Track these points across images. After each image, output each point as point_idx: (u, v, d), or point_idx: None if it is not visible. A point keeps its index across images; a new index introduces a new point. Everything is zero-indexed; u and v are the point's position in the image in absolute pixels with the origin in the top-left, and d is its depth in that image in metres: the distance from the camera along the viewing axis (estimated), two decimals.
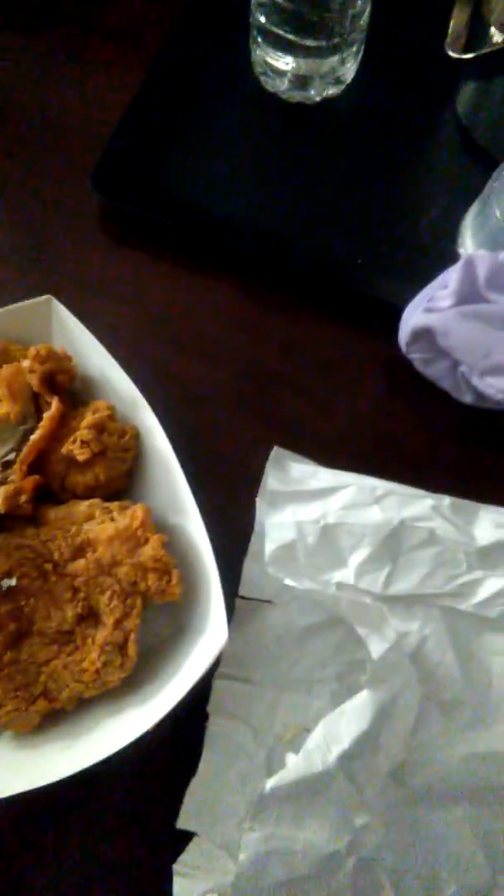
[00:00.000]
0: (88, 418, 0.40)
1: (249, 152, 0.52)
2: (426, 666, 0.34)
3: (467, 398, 0.44)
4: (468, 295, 0.41)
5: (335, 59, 0.50)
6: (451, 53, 0.46)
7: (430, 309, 0.42)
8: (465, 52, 0.46)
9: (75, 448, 0.39)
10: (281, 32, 0.49)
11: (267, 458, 0.41)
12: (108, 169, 0.50)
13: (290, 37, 0.49)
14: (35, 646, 0.36)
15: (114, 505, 0.39)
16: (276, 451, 0.39)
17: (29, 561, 0.37)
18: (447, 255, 0.48)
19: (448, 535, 0.35)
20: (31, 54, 0.56)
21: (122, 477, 0.41)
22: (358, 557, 0.35)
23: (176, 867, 0.35)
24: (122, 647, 0.36)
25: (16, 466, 0.39)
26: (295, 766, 0.31)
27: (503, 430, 0.46)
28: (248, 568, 0.40)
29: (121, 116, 0.51)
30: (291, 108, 0.53)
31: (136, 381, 0.47)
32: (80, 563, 0.37)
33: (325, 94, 0.53)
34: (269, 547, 0.35)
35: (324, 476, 0.37)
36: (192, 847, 0.36)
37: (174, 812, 0.37)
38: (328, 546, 0.35)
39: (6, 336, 0.43)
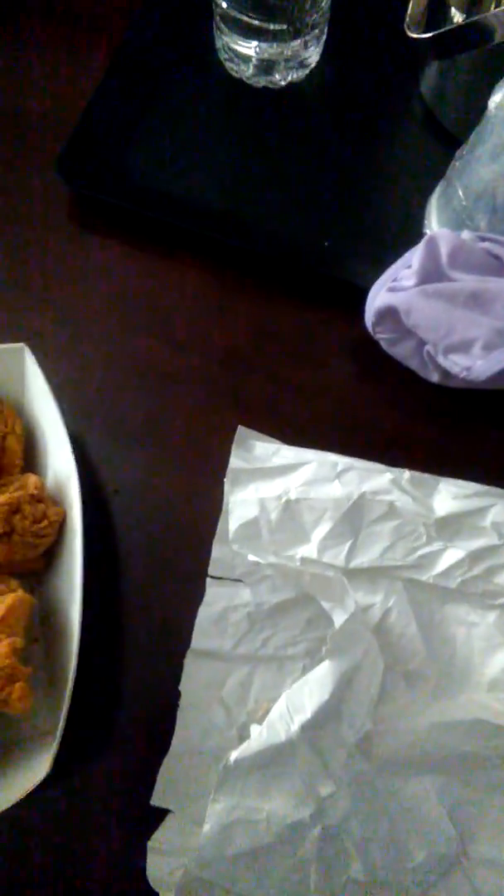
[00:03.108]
0: (6, 495, 0.37)
1: (215, 138, 0.52)
2: (390, 637, 0.34)
3: (434, 377, 0.45)
4: (431, 274, 0.42)
5: (298, 42, 0.50)
6: (410, 34, 0.46)
7: (393, 288, 0.43)
8: (426, 31, 0.46)
9: None
10: (244, 18, 0.49)
11: (232, 440, 0.42)
12: (74, 156, 0.50)
13: (253, 22, 0.49)
14: None
15: None
16: (241, 431, 0.39)
17: None
18: (414, 236, 0.48)
19: (407, 508, 0.35)
20: None
21: (33, 560, 0.39)
22: (320, 532, 0.35)
23: (150, 844, 0.36)
24: None
25: None
26: (258, 736, 0.31)
27: (470, 408, 0.46)
28: (218, 548, 0.40)
29: (86, 104, 0.52)
30: (257, 93, 0.53)
31: (107, 367, 0.48)
32: None
33: (289, 78, 0.53)
34: (234, 524, 0.35)
35: (286, 453, 0.37)
36: (166, 824, 0.36)
37: (148, 790, 0.37)
38: (291, 522, 0.35)
39: None
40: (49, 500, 0.38)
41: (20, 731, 0.37)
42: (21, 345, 0.41)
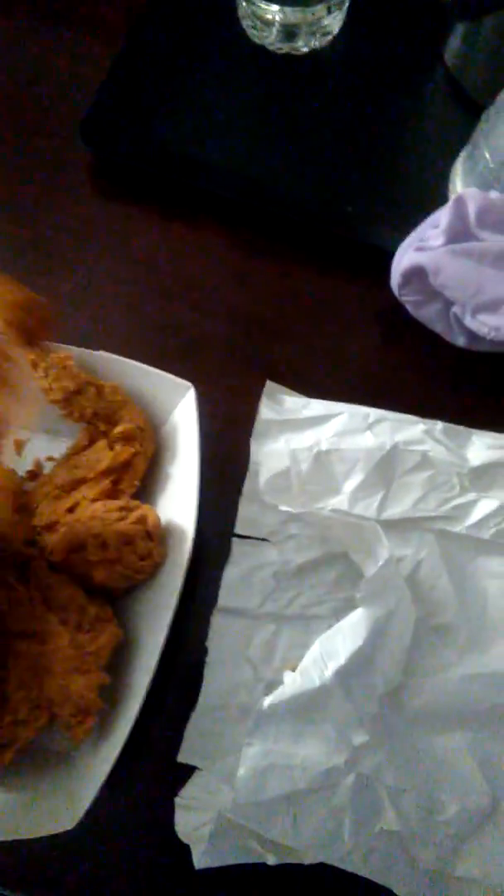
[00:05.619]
0: (125, 525, 0.36)
1: (238, 103, 0.52)
2: (421, 590, 0.34)
3: (460, 340, 0.44)
4: (459, 233, 0.41)
5: (321, 7, 0.50)
6: None
7: (421, 248, 0.42)
8: None
9: (91, 541, 0.36)
10: None
11: (258, 404, 0.41)
12: (97, 121, 0.50)
13: None
14: None
15: (89, 614, 0.36)
16: (270, 385, 0.39)
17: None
18: (437, 201, 0.48)
19: (441, 458, 0.35)
20: (20, 10, 0.56)
21: (120, 588, 0.38)
22: (352, 483, 0.35)
23: (178, 800, 0.36)
24: (1, 747, 0.34)
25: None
26: (292, 682, 0.31)
27: (495, 372, 0.46)
28: (244, 507, 0.40)
29: (109, 69, 0.51)
30: (279, 60, 0.53)
31: (129, 332, 0.48)
32: (23, 644, 0.34)
33: (312, 45, 0.53)
34: (264, 475, 0.35)
35: (316, 405, 0.37)
36: (193, 780, 0.36)
37: (175, 746, 0.37)
38: (322, 472, 0.35)
39: (134, 389, 0.40)
40: (157, 540, 0.37)
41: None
42: (189, 384, 0.39)
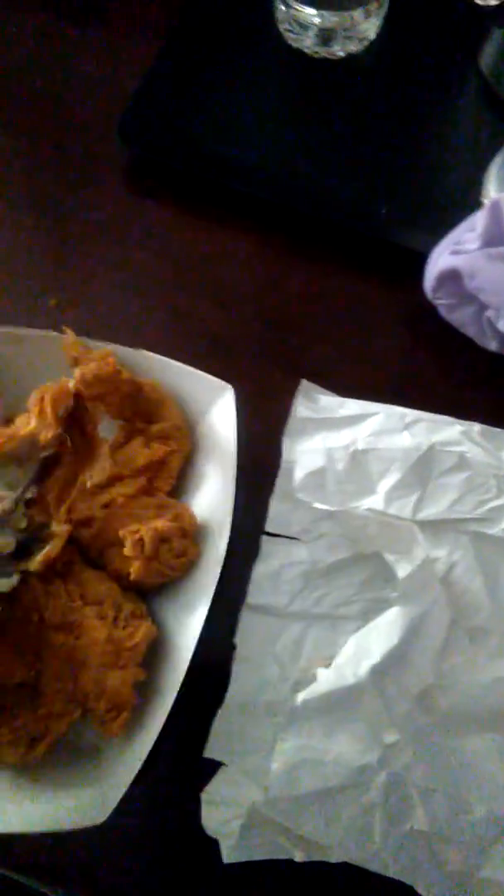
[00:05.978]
0: (162, 523, 0.36)
1: (274, 106, 0.52)
2: (454, 592, 0.34)
3: (492, 345, 0.44)
4: (495, 237, 0.41)
5: (359, 11, 0.51)
6: (478, 1, 0.46)
7: (456, 251, 0.42)
8: None
9: (128, 537, 0.36)
10: None
11: (289, 404, 0.42)
12: (134, 120, 0.51)
13: None
14: None
15: (125, 609, 0.36)
16: (305, 384, 0.39)
17: (26, 600, 0.35)
18: (471, 206, 0.48)
19: (478, 460, 0.35)
20: (61, 8, 0.57)
21: (154, 585, 0.38)
22: (387, 483, 0.35)
23: (204, 796, 0.36)
24: (34, 740, 0.34)
25: (56, 516, 0.36)
26: (326, 679, 0.31)
27: None
28: (275, 506, 0.40)
29: (148, 69, 0.52)
30: (315, 64, 0.54)
31: (158, 328, 0.48)
32: (59, 637, 0.35)
33: (348, 49, 0.53)
34: (299, 473, 0.35)
35: (352, 405, 0.37)
36: (219, 776, 0.36)
37: (201, 742, 0.37)
38: (358, 472, 0.35)
39: (173, 388, 0.41)
40: (193, 538, 0.37)
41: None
42: (228, 385, 0.39)
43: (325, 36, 0.52)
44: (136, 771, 0.32)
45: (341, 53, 0.53)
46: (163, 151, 0.50)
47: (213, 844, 0.35)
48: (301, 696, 0.31)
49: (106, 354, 0.39)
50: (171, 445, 0.39)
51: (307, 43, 0.53)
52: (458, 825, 0.32)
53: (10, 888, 0.37)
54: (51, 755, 0.34)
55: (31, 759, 0.34)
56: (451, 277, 0.43)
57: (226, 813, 0.35)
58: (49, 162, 0.52)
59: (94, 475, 0.37)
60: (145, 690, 0.35)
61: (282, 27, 0.54)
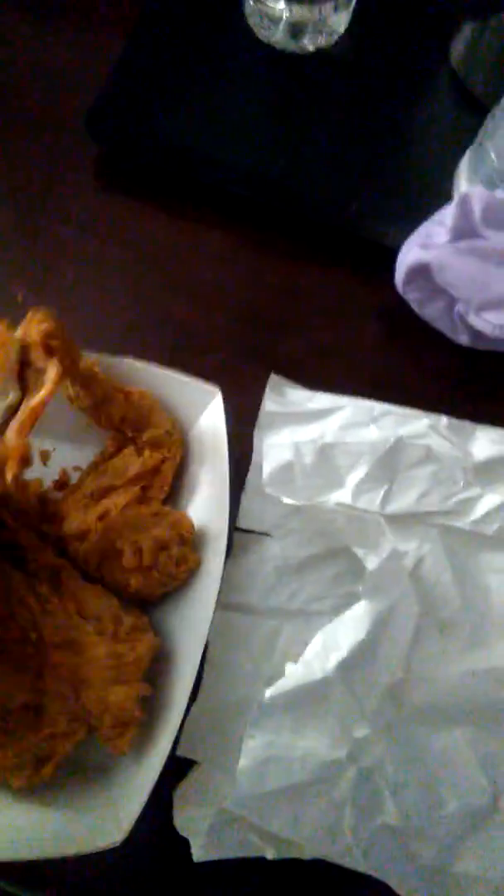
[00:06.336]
0: (159, 530, 0.36)
1: (244, 100, 0.52)
2: (424, 585, 0.34)
3: (463, 339, 0.44)
4: (464, 231, 0.42)
5: (328, 5, 0.50)
6: None
7: (426, 245, 0.42)
8: None
9: (126, 547, 0.36)
10: None
11: (262, 398, 0.41)
12: (103, 114, 0.50)
13: None
14: None
15: (126, 623, 0.35)
16: (274, 378, 0.39)
17: (23, 620, 0.34)
18: (442, 200, 0.48)
19: (445, 452, 0.35)
20: (28, 3, 0.56)
21: (155, 596, 0.38)
22: (356, 477, 0.35)
23: (176, 793, 0.35)
24: (40, 762, 0.33)
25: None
26: (293, 673, 0.31)
27: (498, 370, 0.46)
28: (247, 501, 0.40)
29: (115, 63, 0.51)
30: (285, 58, 0.53)
31: (130, 325, 0.48)
32: (59, 656, 0.34)
33: (318, 43, 0.53)
34: (267, 468, 0.35)
35: (321, 399, 0.37)
36: (192, 775, 0.36)
37: (174, 740, 0.37)
38: (326, 466, 0.35)
39: (160, 394, 0.40)
40: (192, 545, 0.37)
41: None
42: (216, 389, 0.39)
43: (295, 30, 0.52)
44: (149, 789, 0.32)
45: (311, 48, 0.53)
46: (132, 146, 0.50)
47: (187, 843, 0.34)
48: (269, 692, 0.31)
49: (93, 364, 0.38)
50: (163, 453, 0.39)
51: (277, 37, 0.52)
52: (430, 819, 0.32)
53: None
54: (59, 777, 0.33)
55: (38, 782, 0.33)
56: (421, 271, 0.43)
57: (198, 811, 0.34)
58: (17, 156, 0.52)
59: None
60: (152, 704, 0.34)
61: (251, 21, 0.53)
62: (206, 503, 0.38)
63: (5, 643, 0.33)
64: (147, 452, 0.39)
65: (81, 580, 0.36)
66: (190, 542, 0.37)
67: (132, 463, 0.39)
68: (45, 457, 0.41)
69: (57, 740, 0.33)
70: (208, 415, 0.39)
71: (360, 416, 0.36)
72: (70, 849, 0.31)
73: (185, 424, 0.40)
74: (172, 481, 0.39)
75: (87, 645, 0.34)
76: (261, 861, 0.33)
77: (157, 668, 0.35)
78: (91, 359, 0.39)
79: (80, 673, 0.34)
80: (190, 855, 0.34)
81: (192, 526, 0.37)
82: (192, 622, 0.35)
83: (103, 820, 0.32)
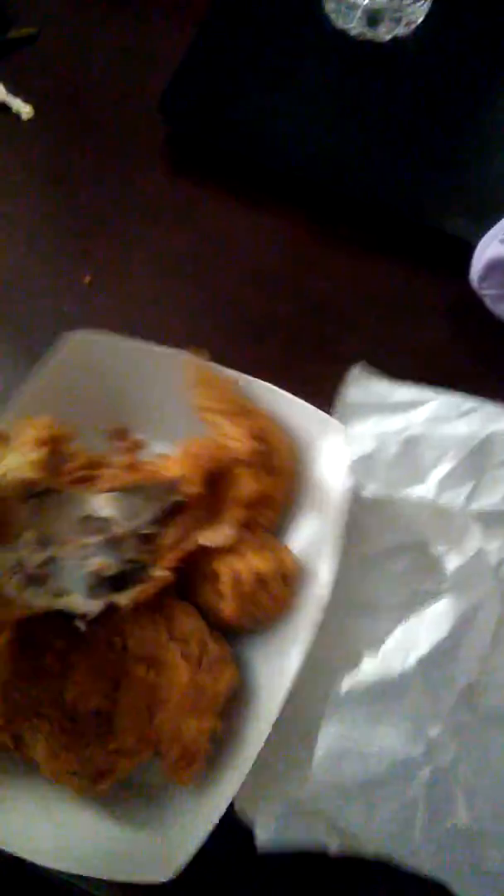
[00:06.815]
0: (260, 563, 0.33)
1: (317, 87, 0.51)
2: None
3: None
4: None
5: None
6: None
7: None
8: None
9: (224, 569, 0.33)
10: None
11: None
12: (176, 96, 0.49)
13: None
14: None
15: (212, 651, 0.33)
16: (359, 367, 0.38)
17: (111, 623, 0.33)
18: None
19: None
20: None
21: (243, 629, 0.35)
22: (440, 472, 0.34)
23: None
24: (99, 774, 0.32)
25: (165, 556, 0.33)
26: (371, 668, 0.31)
27: None
28: None
29: (190, 46, 0.51)
30: (360, 46, 0.52)
31: (194, 311, 0.47)
32: (140, 670, 0.33)
33: (395, 32, 0.52)
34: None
35: (406, 391, 0.36)
36: (257, 763, 0.35)
37: None
38: (409, 458, 0.34)
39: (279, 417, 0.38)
40: (292, 585, 0.35)
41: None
42: (341, 425, 0.36)
43: (372, 18, 0.51)
44: (208, 831, 0.30)
45: (387, 36, 0.52)
46: (203, 129, 0.49)
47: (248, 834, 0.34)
48: (346, 685, 0.31)
49: (230, 383, 0.37)
50: (277, 482, 0.36)
51: (353, 24, 0.52)
52: (500, 825, 0.31)
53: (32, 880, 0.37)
54: (113, 792, 0.32)
55: (92, 794, 0.32)
56: (499, 267, 0.42)
57: (261, 800, 0.34)
58: (81, 137, 0.51)
59: (211, 537, 0.34)
60: (218, 739, 0.33)
61: (328, 6, 0.52)
62: (309, 541, 0.36)
63: (89, 644, 0.33)
64: (263, 476, 0.36)
65: (174, 597, 0.35)
66: (292, 582, 0.34)
67: (246, 485, 0.35)
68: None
69: (121, 757, 0.32)
70: (328, 448, 0.36)
71: (447, 410, 0.36)
72: (118, 874, 0.30)
73: (301, 454, 0.38)
74: (281, 512, 0.37)
75: (171, 667, 0.32)
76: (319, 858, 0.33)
77: (230, 700, 0.34)
78: (229, 377, 0.37)
79: (158, 694, 0.32)
80: (240, 843, 0.33)
81: (297, 567, 0.35)
82: (277, 662, 0.33)
83: (154, 852, 0.31)
